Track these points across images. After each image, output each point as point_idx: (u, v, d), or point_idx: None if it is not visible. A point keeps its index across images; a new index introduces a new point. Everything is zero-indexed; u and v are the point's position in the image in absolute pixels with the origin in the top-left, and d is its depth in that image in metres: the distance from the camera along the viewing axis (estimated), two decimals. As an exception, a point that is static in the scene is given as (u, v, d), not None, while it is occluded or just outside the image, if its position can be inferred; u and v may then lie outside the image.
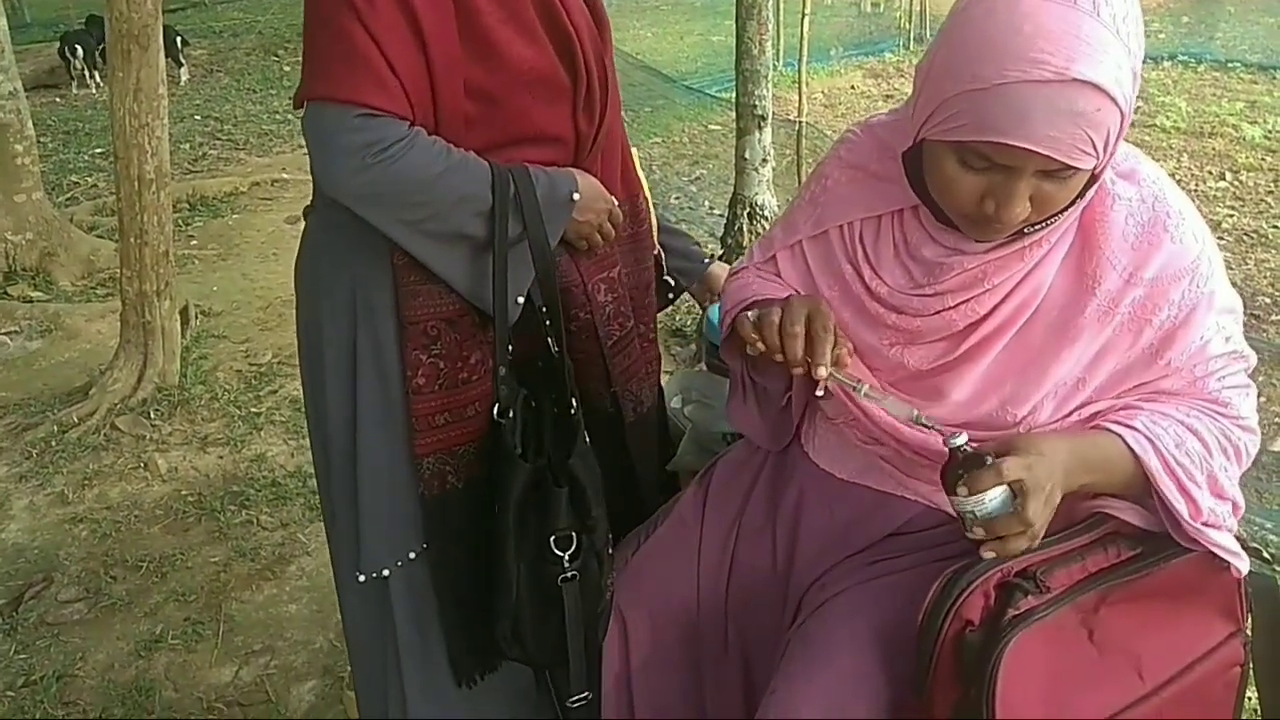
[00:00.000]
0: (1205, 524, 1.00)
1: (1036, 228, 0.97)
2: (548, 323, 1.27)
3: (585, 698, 1.24)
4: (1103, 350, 1.01)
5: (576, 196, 1.24)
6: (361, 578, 1.31)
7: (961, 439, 0.95)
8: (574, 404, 1.26)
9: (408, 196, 1.15)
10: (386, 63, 1.10)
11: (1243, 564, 1.03)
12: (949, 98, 0.90)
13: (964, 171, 0.93)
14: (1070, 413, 1.03)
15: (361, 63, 1.09)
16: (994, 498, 0.91)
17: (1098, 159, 0.89)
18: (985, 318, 1.03)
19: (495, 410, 1.25)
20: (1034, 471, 0.92)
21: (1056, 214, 0.96)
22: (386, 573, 1.30)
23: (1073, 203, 0.95)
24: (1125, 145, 1.02)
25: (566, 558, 1.19)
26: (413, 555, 1.30)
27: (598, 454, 1.27)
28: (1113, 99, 0.86)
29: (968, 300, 1.03)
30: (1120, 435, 0.98)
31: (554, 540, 1.20)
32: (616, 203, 1.32)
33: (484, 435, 1.28)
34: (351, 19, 1.09)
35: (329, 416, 1.30)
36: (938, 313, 1.05)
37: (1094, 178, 0.94)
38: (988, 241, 1.00)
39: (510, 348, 1.25)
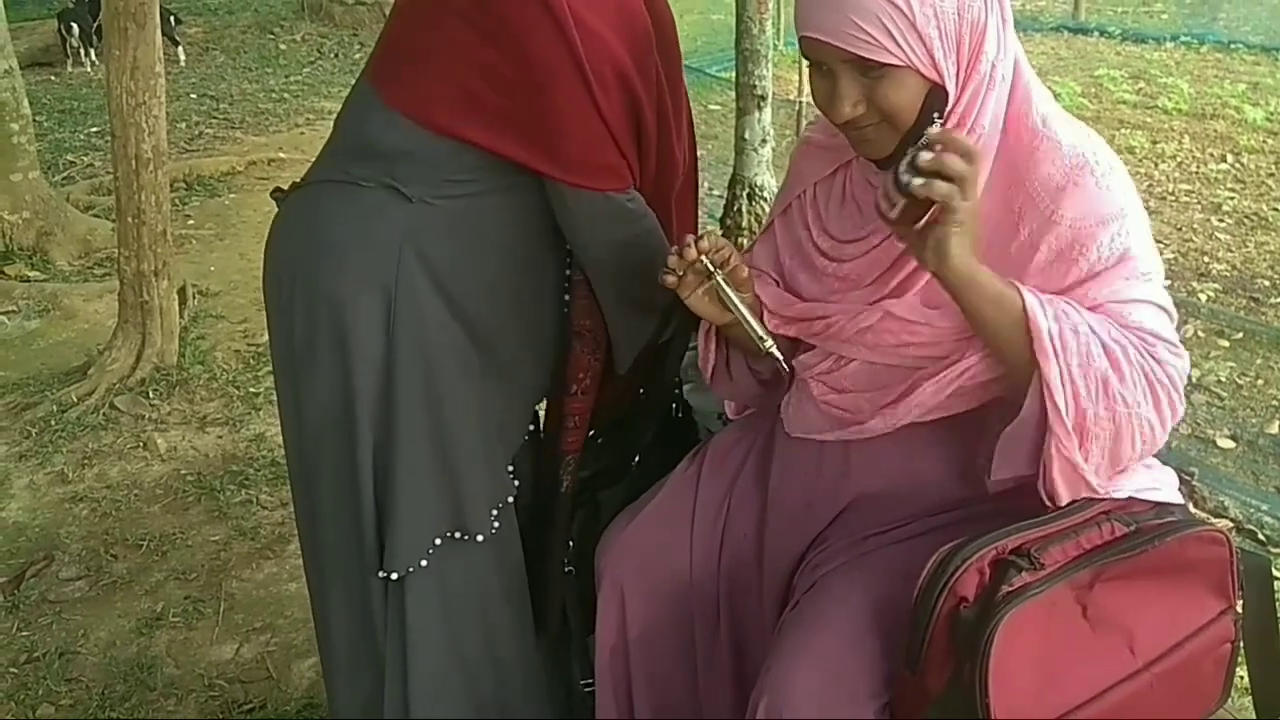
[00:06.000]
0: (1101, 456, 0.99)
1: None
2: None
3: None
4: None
5: None
6: (386, 574, 1.27)
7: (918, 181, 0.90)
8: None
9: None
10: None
11: (1174, 495, 1.06)
12: None
13: (815, 77, 1.03)
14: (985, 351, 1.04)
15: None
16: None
17: (892, 53, 0.94)
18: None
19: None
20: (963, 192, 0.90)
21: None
22: (414, 567, 1.28)
23: (932, 117, 0.97)
24: (1066, 115, 1.04)
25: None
26: (439, 541, 1.29)
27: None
28: None
29: (891, 235, 1.03)
30: (1022, 295, 0.96)
31: None
32: None
33: (581, 445, 1.38)
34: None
35: (355, 402, 1.23)
36: (867, 253, 1.09)
37: (942, 92, 0.97)
38: (872, 159, 1.05)
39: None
